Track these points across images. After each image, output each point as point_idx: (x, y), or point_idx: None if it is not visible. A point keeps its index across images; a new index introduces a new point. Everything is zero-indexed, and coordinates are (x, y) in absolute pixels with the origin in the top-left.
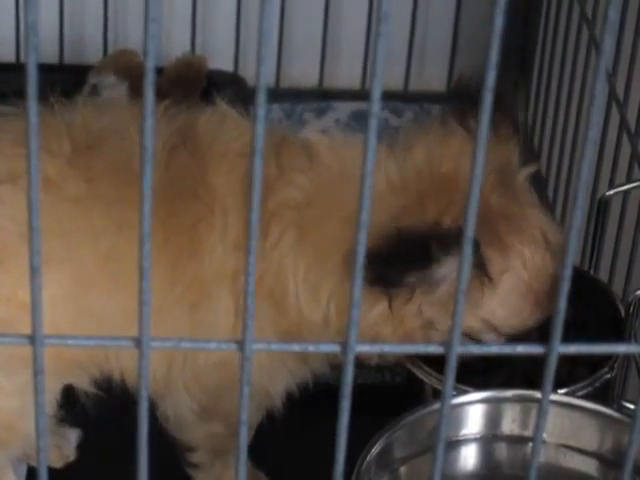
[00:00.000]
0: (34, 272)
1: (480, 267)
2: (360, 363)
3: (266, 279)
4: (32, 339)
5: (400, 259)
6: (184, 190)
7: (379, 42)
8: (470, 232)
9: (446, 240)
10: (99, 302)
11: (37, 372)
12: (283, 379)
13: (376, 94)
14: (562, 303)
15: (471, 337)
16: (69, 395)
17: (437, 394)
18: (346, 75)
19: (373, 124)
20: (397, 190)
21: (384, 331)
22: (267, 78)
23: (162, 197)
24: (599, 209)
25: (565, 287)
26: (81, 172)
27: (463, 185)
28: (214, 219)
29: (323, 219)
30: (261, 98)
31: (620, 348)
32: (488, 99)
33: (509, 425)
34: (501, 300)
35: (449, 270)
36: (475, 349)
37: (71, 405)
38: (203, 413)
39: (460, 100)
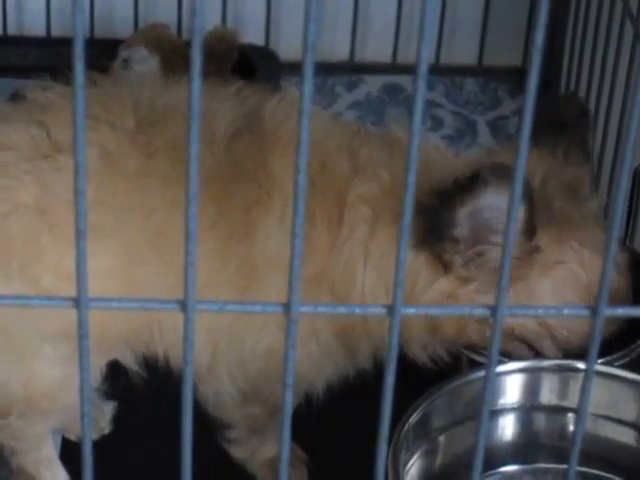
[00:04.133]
0: (79, 235)
1: (529, 235)
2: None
3: (331, 272)
4: (76, 302)
5: (446, 201)
6: (242, 173)
7: (427, 4)
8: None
9: (480, 175)
10: (147, 276)
11: (82, 337)
12: (328, 371)
13: (424, 55)
14: (609, 267)
15: (526, 343)
16: (114, 368)
17: (473, 365)
18: (377, 48)
19: (421, 85)
20: None
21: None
22: (315, 37)
23: (219, 178)
24: (634, 180)
25: (613, 249)
26: (141, 148)
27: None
28: (271, 203)
29: (396, 208)
30: (309, 59)
31: None
32: (537, 59)
33: (547, 395)
34: (554, 293)
35: (492, 201)
36: (522, 311)
37: (116, 378)
38: (243, 399)
39: (550, 124)
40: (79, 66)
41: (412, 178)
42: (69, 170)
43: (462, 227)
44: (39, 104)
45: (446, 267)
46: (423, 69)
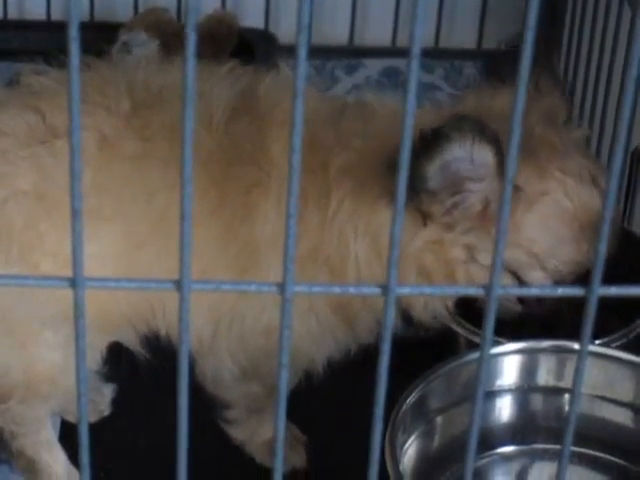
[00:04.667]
0: (75, 216)
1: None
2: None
3: (325, 247)
4: (73, 282)
5: (414, 157)
6: (241, 155)
7: None
8: (512, 171)
9: (442, 130)
10: (149, 261)
11: (78, 316)
12: (328, 347)
13: (418, 35)
14: (603, 245)
15: (517, 276)
16: (115, 351)
17: (471, 346)
18: (376, 32)
19: (415, 65)
20: None
21: (427, 260)
22: (308, 19)
23: (219, 160)
24: (632, 161)
25: (606, 229)
26: (137, 131)
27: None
28: (270, 184)
29: (376, 172)
30: (302, 39)
31: None
32: (530, 37)
33: (544, 376)
34: (541, 224)
35: (458, 154)
36: (515, 291)
37: (116, 360)
38: (243, 376)
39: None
40: (74, 48)
41: (405, 156)
42: (66, 155)
43: (435, 180)
44: (34, 90)
45: (426, 218)
46: (416, 50)
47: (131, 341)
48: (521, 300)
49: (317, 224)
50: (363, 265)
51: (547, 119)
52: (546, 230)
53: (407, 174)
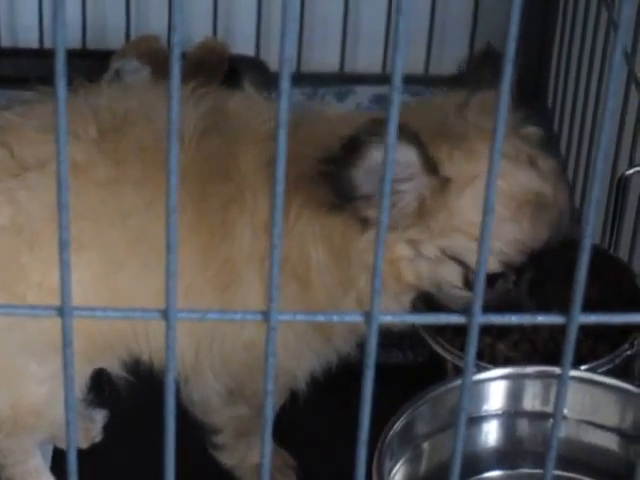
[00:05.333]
0: (63, 246)
1: (433, 171)
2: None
3: (290, 257)
4: (61, 311)
5: (339, 166)
6: (215, 172)
7: (400, 20)
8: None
9: (359, 136)
10: (130, 283)
11: (66, 344)
12: (309, 361)
13: (398, 66)
14: (582, 274)
15: (462, 263)
16: (98, 378)
17: (458, 372)
18: (367, 59)
19: (396, 97)
20: None
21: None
22: (291, 51)
23: (193, 179)
24: (618, 188)
25: (585, 258)
26: (108, 155)
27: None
28: (244, 200)
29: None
30: (286, 71)
31: None
32: (508, 71)
33: (530, 401)
34: (476, 206)
35: (380, 158)
36: (496, 319)
37: (100, 388)
38: (229, 396)
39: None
40: (61, 83)
41: (388, 188)
42: (39, 187)
43: (364, 185)
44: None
45: (365, 223)
46: (397, 82)
47: (113, 366)
48: (469, 285)
49: (282, 234)
50: (325, 270)
51: (483, 109)
52: (482, 211)
53: (334, 181)
